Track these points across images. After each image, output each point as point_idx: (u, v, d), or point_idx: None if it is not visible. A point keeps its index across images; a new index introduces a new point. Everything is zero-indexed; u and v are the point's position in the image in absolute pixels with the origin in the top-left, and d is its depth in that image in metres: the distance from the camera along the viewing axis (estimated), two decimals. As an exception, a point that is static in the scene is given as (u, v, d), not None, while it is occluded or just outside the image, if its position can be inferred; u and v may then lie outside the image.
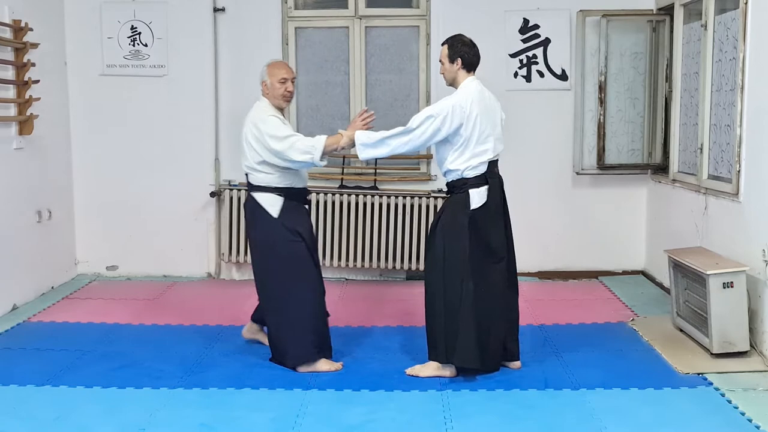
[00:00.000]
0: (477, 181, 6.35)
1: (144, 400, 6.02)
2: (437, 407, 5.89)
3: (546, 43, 9.56)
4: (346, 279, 9.83)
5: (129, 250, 9.89)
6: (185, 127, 9.64)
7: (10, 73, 8.37)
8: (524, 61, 9.60)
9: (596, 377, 6.41)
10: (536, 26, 9.55)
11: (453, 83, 6.55)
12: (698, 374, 6.46)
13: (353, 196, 9.55)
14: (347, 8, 9.70)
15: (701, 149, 7.90)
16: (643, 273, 9.80)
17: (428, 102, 9.57)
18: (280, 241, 6.62)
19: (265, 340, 7.10)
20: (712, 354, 6.74)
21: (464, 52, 6.47)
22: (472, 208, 6.34)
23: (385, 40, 9.77)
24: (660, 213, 9.28)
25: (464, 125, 6.26)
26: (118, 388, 6.25)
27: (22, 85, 8.45)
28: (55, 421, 5.66)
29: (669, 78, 9.07)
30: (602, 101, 9.34)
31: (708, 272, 6.69)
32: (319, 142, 6.45)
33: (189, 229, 9.78)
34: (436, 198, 9.48)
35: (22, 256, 8.57)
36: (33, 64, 8.55)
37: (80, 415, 5.75)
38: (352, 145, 6.45)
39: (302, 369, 6.61)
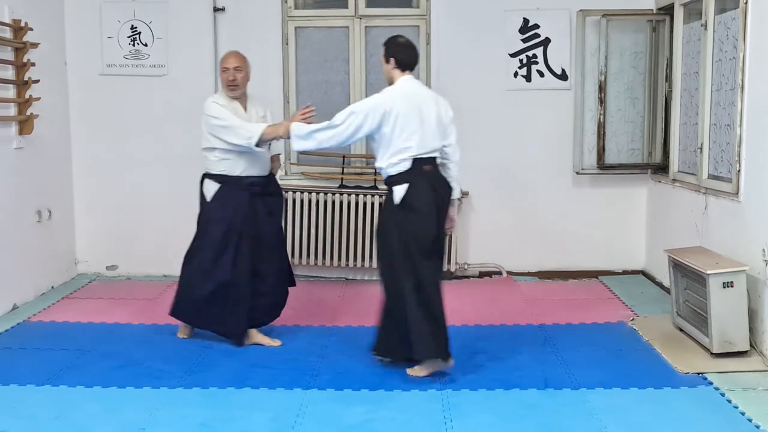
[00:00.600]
0: (399, 179, 6.44)
1: (144, 400, 6.02)
2: (437, 407, 5.89)
3: (546, 42, 9.56)
4: (347, 279, 9.80)
5: (129, 250, 9.91)
6: (184, 126, 9.50)
7: (10, 72, 8.37)
8: (524, 61, 9.60)
9: (596, 377, 6.41)
10: (536, 26, 9.55)
11: (390, 82, 6.66)
12: (698, 374, 6.46)
13: (353, 196, 9.53)
14: (347, 8, 9.72)
15: (701, 149, 7.91)
16: (643, 273, 9.80)
17: None
18: (203, 221, 7.21)
19: (265, 342, 7.25)
20: (712, 354, 6.74)
21: (397, 52, 6.61)
22: (395, 203, 6.44)
23: (385, 39, 9.70)
24: (660, 213, 9.28)
25: (385, 122, 6.37)
26: (118, 387, 6.25)
27: (22, 84, 8.46)
28: (55, 420, 5.65)
29: (669, 77, 9.06)
30: (602, 101, 9.34)
31: (708, 272, 6.68)
32: (258, 128, 6.88)
33: (189, 229, 9.63)
34: None
35: (22, 255, 8.57)
36: (33, 64, 8.55)
37: (80, 415, 5.75)
38: (289, 135, 6.74)
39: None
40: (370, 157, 9.60)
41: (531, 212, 9.71)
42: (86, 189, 9.81)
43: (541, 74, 9.61)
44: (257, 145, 6.84)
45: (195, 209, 9.58)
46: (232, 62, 7.16)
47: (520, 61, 9.60)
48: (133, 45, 9.65)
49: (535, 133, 9.65)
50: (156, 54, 9.65)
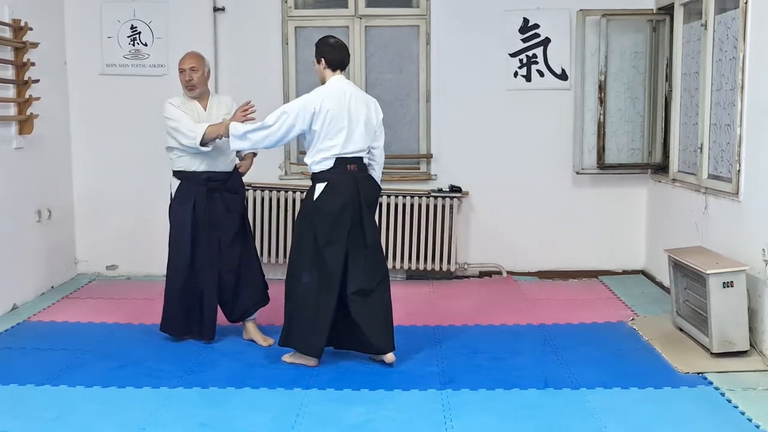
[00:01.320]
0: (321, 176, 6.61)
1: (144, 400, 6.03)
2: (437, 406, 5.89)
3: (546, 42, 9.57)
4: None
5: (129, 250, 9.90)
6: (185, 126, 9.59)
7: (9, 72, 8.37)
8: (524, 61, 9.60)
9: (596, 377, 6.41)
10: (536, 26, 9.55)
11: (322, 82, 6.79)
12: (698, 374, 6.46)
13: (353, 196, 9.47)
14: (347, 8, 9.73)
15: (701, 149, 7.90)
16: (643, 272, 9.81)
17: (428, 101, 9.67)
18: (171, 221, 7.31)
19: (258, 339, 7.38)
20: (712, 353, 6.74)
21: (326, 53, 6.75)
22: (314, 199, 6.59)
23: (385, 39, 9.80)
24: (660, 212, 9.28)
25: (315, 120, 6.51)
26: (118, 387, 6.26)
27: (22, 84, 8.46)
28: (55, 420, 5.66)
29: (669, 77, 9.06)
30: (602, 101, 9.34)
31: (708, 272, 6.68)
32: (201, 128, 6.96)
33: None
34: (436, 198, 9.52)
35: (21, 255, 8.58)
36: (33, 64, 8.55)
37: (80, 415, 5.75)
38: (227, 134, 6.84)
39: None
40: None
41: (531, 212, 9.72)
42: (86, 189, 9.81)
43: (541, 74, 9.61)
44: (202, 144, 6.94)
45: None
46: (187, 63, 7.23)
47: (520, 60, 9.60)
48: (133, 45, 9.66)
49: (535, 133, 9.65)
50: (156, 54, 9.67)
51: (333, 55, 6.72)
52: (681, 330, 7.45)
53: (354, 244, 6.61)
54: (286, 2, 9.68)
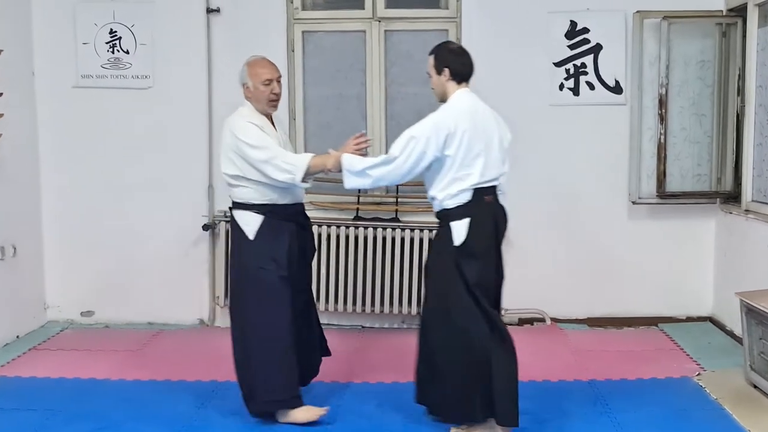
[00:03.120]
0: (458, 213, 6.43)
1: (125, 470, 6.00)
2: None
3: (597, 49, 9.58)
4: (363, 327, 9.87)
5: (107, 293, 9.94)
6: (174, 148, 9.71)
7: (-33, 85, 8.35)
8: (571, 71, 9.64)
9: (656, 442, 6.42)
10: (585, 30, 9.56)
11: (443, 98, 6.66)
12: (775, 438, 6.48)
13: (371, 230, 9.61)
14: (363, 9, 9.78)
15: (779, 174, 7.93)
16: (710, 319, 9.78)
17: None
18: (251, 267, 6.80)
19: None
20: (791, 415, 6.76)
21: (450, 61, 6.58)
22: (455, 244, 6.41)
23: (408, 46, 9.80)
24: (731, 249, 9.27)
25: (448, 145, 6.33)
26: (94, 455, 6.25)
27: (-20, 99, 8.43)
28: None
29: (741, 91, 9.08)
30: (663, 118, 9.33)
31: (787, 319, 6.73)
32: (303, 160, 6.65)
33: (178, 268, 9.81)
34: None
35: (-19, 299, 8.55)
36: (-6, 75, 8.56)
37: (49, 487, 5.71)
38: (339, 168, 6.63)
39: (281, 419, 6.89)
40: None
41: (579, 249, 9.71)
42: (57, 222, 9.87)
43: (591, 86, 9.63)
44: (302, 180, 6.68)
45: (185, 244, 9.68)
46: (275, 71, 6.91)
47: (567, 71, 9.65)
48: (113, 52, 9.72)
49: (584, 156, 9.67)
50: (139, 63, 9.73)
51: (459, 64, 6.58)
52: (755, 387, 7.46)
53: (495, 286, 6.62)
54: (292, 3, 9.72)
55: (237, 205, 6.90)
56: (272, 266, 6.76)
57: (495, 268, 6.57)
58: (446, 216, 6.47)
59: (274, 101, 6.91)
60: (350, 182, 6.58)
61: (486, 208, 6.47)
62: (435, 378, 6.56)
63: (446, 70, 6.55)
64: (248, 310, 6.81)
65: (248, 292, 6.82)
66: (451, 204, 6.42)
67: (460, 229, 6.38)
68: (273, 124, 7.00)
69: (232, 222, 6.96)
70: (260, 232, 6.79)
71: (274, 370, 6.75)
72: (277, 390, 6.79)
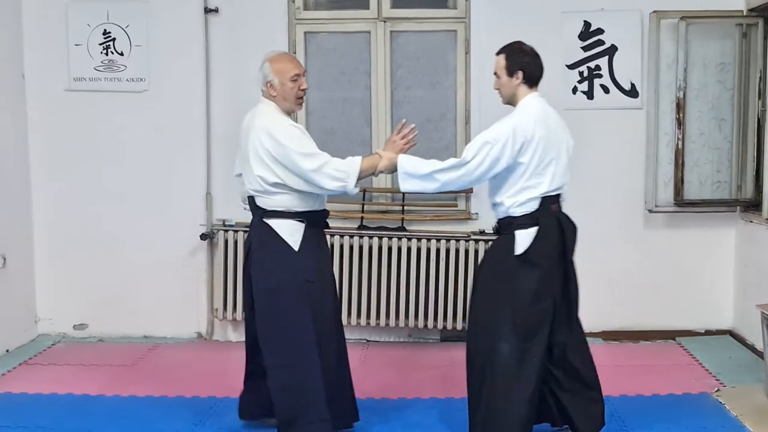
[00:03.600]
0: (524, 221, 6.39)
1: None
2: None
3: (612, 51, 9.60)
4: (368, 340, 9.88)
5: (101, 305, 9.97)
6: (170, 154, 9.73)
7: (-47, 89, 8.39)
8: (585, 74, 9.68)
9: (674, 461, 6.44)
10: (600, 31, 9.60)
11: (511, 101, 6.61)
12: (798, 457, 6.51)
13: (376, 239, 9.61)
14: (368, 9, 9.83)
15: (803, 182, 7.95)
16: (730, 333, 9.79)
17: (467, 123, 9.66)
18: (297, 281, 6.53)
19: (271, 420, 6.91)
20: (815, 433, 6.78)
21: (526, 63, 6.50)
22: (517, 253, 6.38)
23: (415, 47, 9.85)
24: (752, 259, 9.29)
25: (524, 152, 6.28)
26: (86, 475, 6.28)
27: (-32, 103, 8.47)
28: None
29: (763, 94, 9.12)
30: (681, 123, 9.35)
31: (811, 333, 6.76)
32: (354, 166, 6.45)
33: (175, 279, 9.81)
34: (477, 241, 9.47)
35: (-31, 313, 8.57)
36: (-18, 78, 8.59)
37: None
38: (393, 170, 6.57)
39: None
40: (395, 192, 9.68)
41: (594, 258, 9.43)
42: (48, 230, 9.90)
43: (606, 90, 9.67)
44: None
45: (182, 255, 9.68)
46: (301, 66, 6.75)
47: (580, 73, 9.69)
48: (107, 54, 9.76)
49: (599, 162, 9.64)
50: (134, 65, 9.77)
51: (534, 66, 6.53)
52: (778, 404, 7.52)
53: (561, 301, 6.55)
54: (294, 2, 9.77)
55: (274, 214, 6.57)
56: (319, 279, 6.66)
57: (563, 282, 6.55)
58: (510, 224, 6.45)
59: (302, 98, 6.77)
60: (411, 185, 6.49)
61: (552, 217, 6.49)
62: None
63: (520, 73, 6.50)
64: (296, 329, 6.53)
65: (293, 311, 6.52)
66: (518, 212, 6.41)
67: (524, 238, 6.38)
68: None
69: (264, 231, 6.58)
70: (304, 242, 6.59)
71: (320, 392, 6.52)
72: (322, 410, 6.51)
